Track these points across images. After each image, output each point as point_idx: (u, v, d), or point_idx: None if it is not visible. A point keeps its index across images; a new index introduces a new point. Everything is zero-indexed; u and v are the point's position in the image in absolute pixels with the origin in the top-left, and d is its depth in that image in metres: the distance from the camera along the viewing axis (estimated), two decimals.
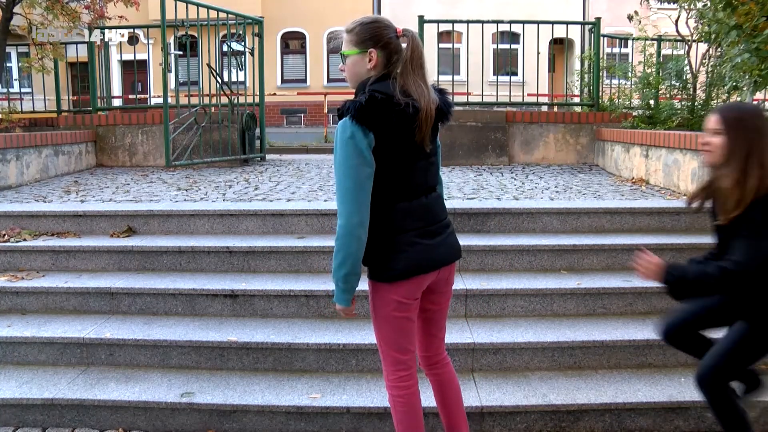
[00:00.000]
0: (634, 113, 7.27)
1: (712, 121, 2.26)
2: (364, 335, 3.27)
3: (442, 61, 7.86)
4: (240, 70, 7.58)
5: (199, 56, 6.95)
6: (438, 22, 7.17)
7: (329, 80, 20.10)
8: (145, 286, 3.64)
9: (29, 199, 4.86)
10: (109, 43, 7.80)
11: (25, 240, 4.08)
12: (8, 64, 13.88)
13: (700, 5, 6.18)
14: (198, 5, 6.14)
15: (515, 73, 8.44)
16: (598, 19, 7.39)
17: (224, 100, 6.70)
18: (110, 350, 3.32)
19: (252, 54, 7.12)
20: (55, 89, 7.88)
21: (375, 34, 2.06)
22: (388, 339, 2.16)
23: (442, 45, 7.54)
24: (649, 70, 7.37)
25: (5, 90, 10.55)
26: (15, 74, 16.23)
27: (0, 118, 6.94)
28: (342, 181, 1.98)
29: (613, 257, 3.85)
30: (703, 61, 7.24)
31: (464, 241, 3.87)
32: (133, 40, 9.11)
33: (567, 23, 7.57)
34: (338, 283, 2.07)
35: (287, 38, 20.30)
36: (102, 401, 3.01)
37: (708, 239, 3.95)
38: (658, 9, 8.11)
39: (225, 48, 7.07)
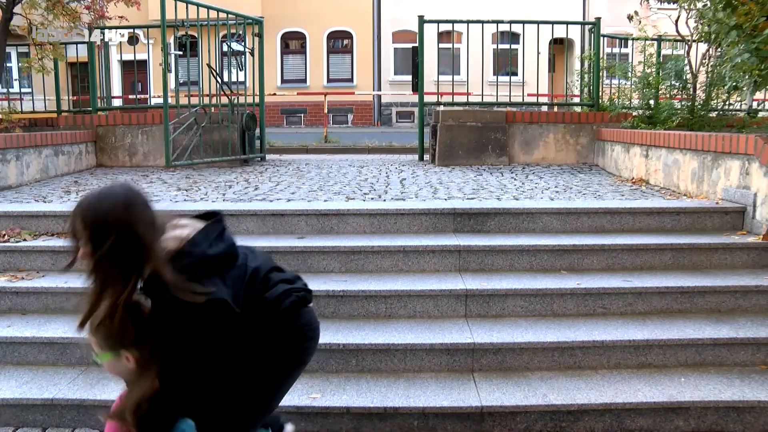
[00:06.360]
0: (634, 113, 7.27)
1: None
2: (364, 335, 3.28)
3: (442, 61, 7.86)
4: (240, 70, 7.60)
5: (199, 56, 6.96)
6: (438, 22, 7.18)
7: (329, 80, 20.12)
8: None
9: (29, 199, 4.86)
10: (109, 43, 7.80)
11: (25, 240, 4.08)
12: (8, 64, 13.87)
13: (700, 5, 6.18)
14: (198, 5, 6.14)
15: (515, 73, 8.45)
16: (598, 19, 7.40)
17: (224, 100, 6.70)
18: None
19: (252, 54, 7.12)
20: (55, 89, 7.88)
21: None
22: None
23: (442, 45, 7.55)
24: (649, 70, 7.37)
25: (5, 90, 10.55)
26: (15, 74, 16.24)
27: (0, 118, 6.94)
28: None
29: (613, 257, 3.85)
30: (703, 61, 7.24)
31: (464, 241, 3.90)
32: (133, 40, 9.10)
33: (567, 23, 7.58)
34: None
35: (287, 38, 20.32)
36: (102, 401, 3.00)
37: (707, 239, 3.98)
38: (658, 9, 8.11)
39: (225, 48, 7.08)
